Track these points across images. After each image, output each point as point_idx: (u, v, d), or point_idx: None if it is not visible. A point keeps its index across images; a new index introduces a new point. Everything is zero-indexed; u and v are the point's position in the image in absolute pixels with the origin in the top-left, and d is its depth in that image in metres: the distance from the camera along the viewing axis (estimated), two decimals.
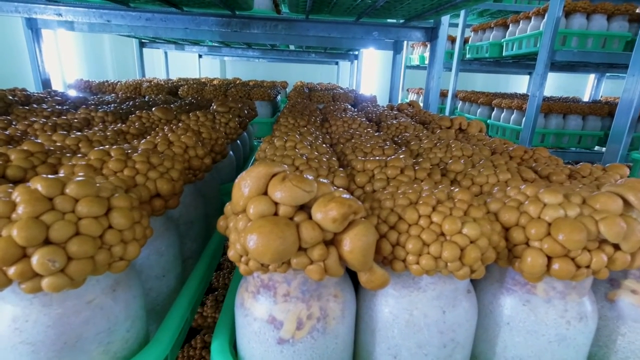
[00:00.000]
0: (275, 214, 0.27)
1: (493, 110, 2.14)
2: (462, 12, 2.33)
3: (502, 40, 2.03)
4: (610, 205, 0.30)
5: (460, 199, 0.32)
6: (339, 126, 0.78)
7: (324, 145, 0.55)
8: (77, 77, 1.67)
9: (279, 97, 1.99)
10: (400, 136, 0.71)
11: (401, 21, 1.15)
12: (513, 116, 1.94)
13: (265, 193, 0.28)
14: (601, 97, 2.75)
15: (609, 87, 3.79)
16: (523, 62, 2.29)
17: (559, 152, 1.82)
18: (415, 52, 3.24)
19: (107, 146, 0.43)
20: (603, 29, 1.65)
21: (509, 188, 0.35)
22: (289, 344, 0.30)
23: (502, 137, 2.03)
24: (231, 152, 0.86)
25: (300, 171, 0.41)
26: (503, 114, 2.03)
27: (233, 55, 2.51)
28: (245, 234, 0.26)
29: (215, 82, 2.21)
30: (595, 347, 0.37)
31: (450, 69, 2.45)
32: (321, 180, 0.30)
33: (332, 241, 0.28)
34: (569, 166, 0.49)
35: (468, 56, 2.44)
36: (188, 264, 0.53)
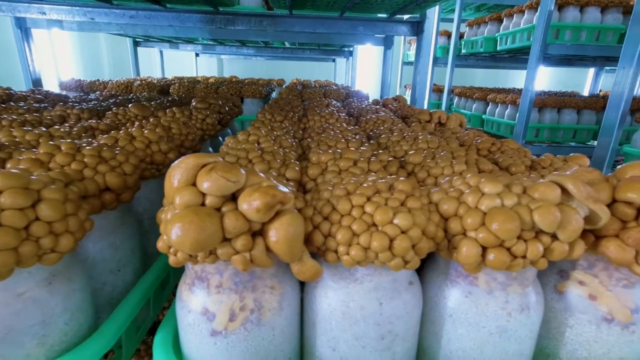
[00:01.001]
0: (204, 204, 0.27)
1: (488, 105, 2.12)
2: (457, 7, 2.31)
3: (496, 35, 2.00)
4: (548, 195, 0.29)
5: (400, 189, 0.32)
6: (316, 121, 0.77)
7: (289, 139, 0.55)
8: (72, 77, 1.68)
9: (273, 94, 1.99)
10: (375, 130, 0.71)
11: (386, 16, 1.14)
12: (507, 111, 1.93)
13: (195, 184, 0.28)
14: (600, 91, 2.72)
15: (609, 81, 3.74)
16: (519, 57, 2.26)
17: (554, 146, 1.80)
18: (412, 48, 3.22)
19: (62, 141, 0.43)
20: (597, 21, 1.62)
21: (455, 178, 0.34)
22: (222, 335, 0.30)
23: (497, 132, 2.02)
24: (210, 149, 0.86)
25: (252, 164, 0.41)
26: (498, 109, 2.01)
27: (228, 53, 2.51)
28: (168, 224, 0.26)
29: (211, 80, 2.21)
30: (546, 339, 0.36)
31: (446, 65, 2.43)
32: (258, 172, 0.30)
33: (260, 232, 0.28)
34: (533, 158, 0.48)
35: (463, 51, 2.41)
36: (153, 259, 0.53)
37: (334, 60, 3.24)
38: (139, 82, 1.53)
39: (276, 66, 3.98)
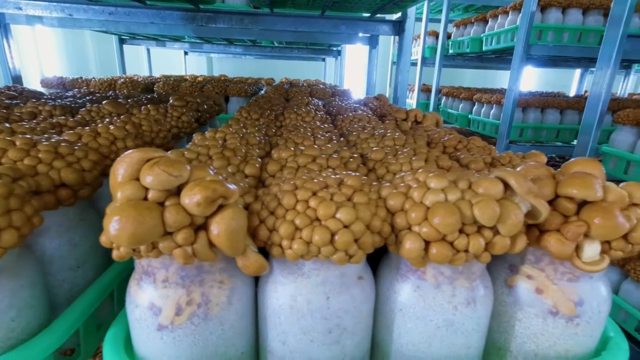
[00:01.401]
0: (147, 199, 0.27)
1: (474, 105, 2.14)
2: (444, 8, 2.33)
3: (482, 35, 2.02)
4: (491, 190, 0.29)
5: (349, 184, 0.32)
6: (292, 119, 0.78)
7: (258, 137, 0.55)
8: (56, 74, 1.66)
9: (261, 93, 1.99)
10: (349, 128, 0.71)
11: (368, 15, 1.15)
12: (492, 111, 1.95)
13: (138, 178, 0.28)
14: (585, 91, 2.76)
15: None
16: (505, 57, 2.29)
17: (537, 146, 1.82)
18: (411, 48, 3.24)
19: (19, 136, 0.42)
20: (579, 23, 1.65)
21: (407, 174, 0.35)
22: (168, 330, 0.30)
23: (483, 132, 2.04)
24: (187, 146, 0.85)
25: (211, 160, 0.41)
26: (483, 109, 2.03)
27: (216, 51, 2.50)
28: (106, 218, 0.26)
29: (199, 79, 2.20)
30: (497, 333, 0.37)
31: (434, 65, 2.45)
32: (206, 167, 0.30)
33: (204, 226, 0.28)
34: (496, 155, 0.49)
35: (451, 51, 2.43)
36: None
37: (324, 60, 3.25)
38: (122, 80, 1.52)
39: (267, 65, 3.97)
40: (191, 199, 0.26)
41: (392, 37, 3.35)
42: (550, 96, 2.09)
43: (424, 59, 2.67)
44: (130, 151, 0.28)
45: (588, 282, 0.33)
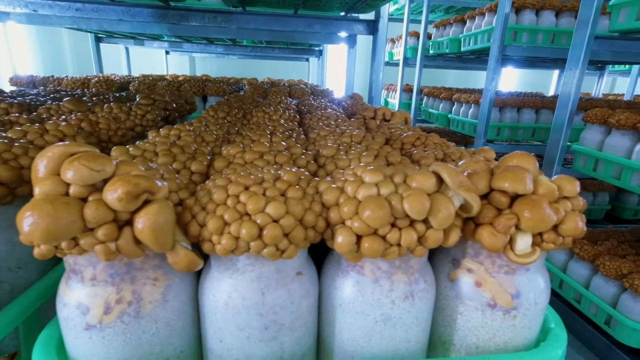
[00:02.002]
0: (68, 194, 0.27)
1: (454, 105, 2.17)
2: (425, 9, 2.35)
3: (460, 36, 2.05)
4: (423, 183, 0.30)
5: (286, 179, 0.32)
6: (260, 117, 0.77)
7: (214, 134, 0.54)
8: (32, 73, 1.62)
9: (242, 93, 1.97)
10: (314, 126, 0.71)
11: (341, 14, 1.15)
12: (471, 110, 1.97)
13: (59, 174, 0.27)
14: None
15: None
16: (483, 58, 2.32)
17: (513, 144, 1.85)
18: (385, 48, 3.26)
19: None
20: (552, 24, 1.68)
21: (347, 169, 0.35)
22: (97, 329, 0.29)
23: (462, 131, 2.07)
24: None
25: (157, 156, 0.40)
26: (462, 109, 2.06)
27: (196, 51, 2.48)
28: (19, 215, 0.25)
29: (180, 78, 2.17)
30: (442, 327, 0.37)
31: (414, 65, 2.47)
32: (135, 162, 0.29)
33: (130, 221, 0.27)
34: (448, 151, 0.49)
35: (431, 52, 2.46)
36: None
37: (307, 60, 3.24)
38: (96, 79, 1.49)
39: (251, 65, 3.95)
40: (112, 194, 0.26)
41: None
42: (528, 96, 2.13)
43: (405, 59, 2.69)
44: (52, 145, 0.28)
45: (525, 275, 0.34)
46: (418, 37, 2.63)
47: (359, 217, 0.29)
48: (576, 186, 0.32)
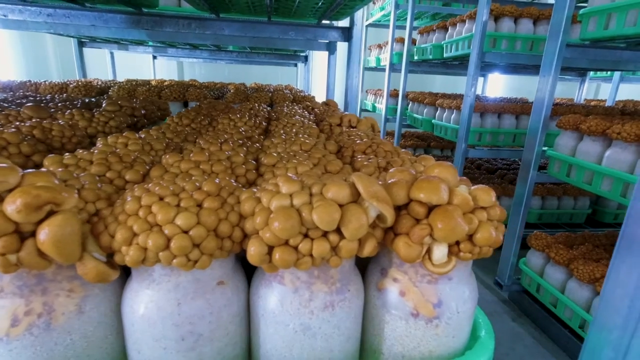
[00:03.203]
0: None
1: (437, 110, 2.19)
2: (409, 16, 2.38)
3: (443, 43, 2.07)
4: (337, 194, 0.30)
5: (205, 190, 0.32)
6: (225, 124, 0.77)
7: (165, 142, 0.54)
8: (14, 78, 1.61)
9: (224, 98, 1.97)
10: (275, 134, 0.71)
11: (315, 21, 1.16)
12: (453, 116, 1.99)
13: None
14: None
15: (559, 89, 3.94)
16: (466, 64, 2.34)
17: (494, 150, 1.87)
18: (372, 54, 3.28)
19: None
20: (530, 32, 1.71)
21: (271, 179, 0.35)
22: (3, 342, 0.29)
23: (445, 136, 2.08)
24: None
25: (92, 165, 0.40)
26: (445, 114, 2.07)
27: (181, 56, 2.47)
28: None
29: (165, 83, 2.17)
30: (372, 336, 0.37)
31: (400, 71, 2.49)
32: (47, 173, 0.29)
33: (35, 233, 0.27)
34: (391, 159, 0.49)
35: (416, 58, 2.48)
36: None
37: (295, 65, 3.25)
38: (74, 84, 1.48)
39: (240, 70, 3.95)
40: (11, 205, 0.25)
41: (363, 43, 3.40)
42: (509, 102, 2.15)
43: (392, 65, 2.71)
44: None
45: (447, 284, 0.34)
46: (403, 43, 2.66)
47: (269, 227, 0.29)
48: (492, 196, 0.32)
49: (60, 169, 0.36)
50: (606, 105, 2.53)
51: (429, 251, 0.32)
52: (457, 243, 0.32)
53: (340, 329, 0.33)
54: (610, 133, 1.08)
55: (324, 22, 1.37)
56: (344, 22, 1.34)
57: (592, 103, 2.82)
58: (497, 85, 4.17)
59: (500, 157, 2.07)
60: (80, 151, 0.44)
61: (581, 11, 1.18)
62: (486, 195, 0.32)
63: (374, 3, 3.17)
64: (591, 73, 2.68)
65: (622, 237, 0.45)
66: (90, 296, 0.31)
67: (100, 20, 1.07)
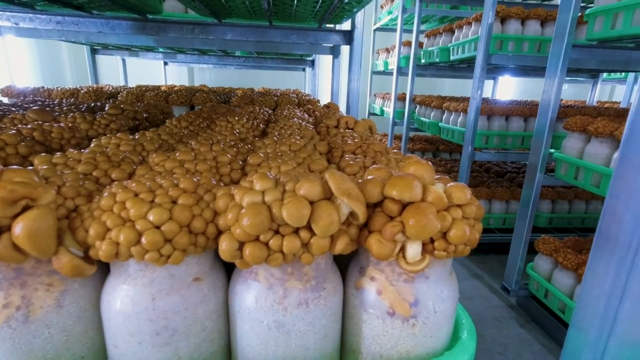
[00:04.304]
0: None
1: (444, 113, 2.17)
2: (416, 19, 2.37)
3: (449, 45, 2.06)
4: (309, 191, 0.30)
5: (181, 187, 0.32)
6: (223, 127, 0.78)
7: (158, 144, 0.55)
8: (30, 85, 1.67)
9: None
10: (270, 135, 0.72)
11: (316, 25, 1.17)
12: (460, 119, 1.97)
13: None
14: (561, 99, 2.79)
15: (571, 91, 3.87)
16: (473, 66, 2.32)
17: (502, 153, 1.84)
18: (380, 58, 3.28)
19: None
20: (537, 33, 1.68)
21: (248, 178, 0.35)
22: None
23: (452, 139, 2.06)
24: None
25: (79, 163, 0.41)
26: (452, 117, 2.05)
27: (190, 62, 2.52)
28: None
29: (175, 88, 2.21)
30: (351, 335, 0.37)
31: (407, 74, 2.48)
32: (27, 169, 0.30)
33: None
34: (379, 159, 0.49)
35: (423, 61, 2.47)
36: None
37: (304, 70, 3.28)
38: (85, 90, 1.52)
39: (249, 75, 4.00)
40: None
41: (371, 47, 3.40)
42: (517, 104, 2.12)
43: (399, 68, 2.70)
44: None
45: (424, 283, 0.34)
46: (410, 46, 2.65)
47: (239, 223, 0.29)
48: (467, 193, 0.32)
49: (45, 167, 0.37)
50: (620, 107, 2.47)
51: (402, 249, 0.32)
52: (432, 241, 0.32)
53: (315, 326, 0.33)
54: (618, 135, 1.05)
55: (328, 26, 1.38)
56: (346, 26, 1.35)
57: (606, 105, 2.75)
58: (508, 88, 4.11)
59: (509, 160, 2.03)
60: (71, 151, 0.46)
61: (587, 11, 1.16)
62: (461, 192, 0.31)
63: (381, 7, 3.18)
64: (604, 75, 2.62)
65: (597, 235, 0.44)
66: (69, 291, 0.32)
67: (107, 27, 1.11)
